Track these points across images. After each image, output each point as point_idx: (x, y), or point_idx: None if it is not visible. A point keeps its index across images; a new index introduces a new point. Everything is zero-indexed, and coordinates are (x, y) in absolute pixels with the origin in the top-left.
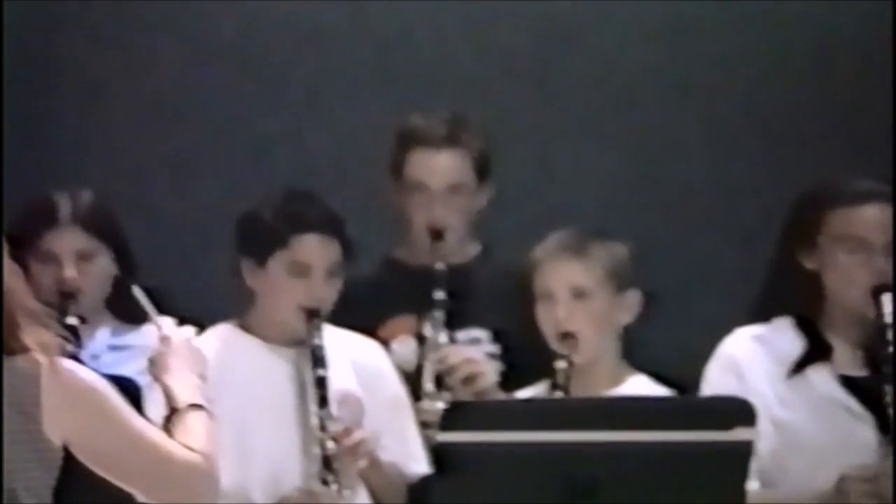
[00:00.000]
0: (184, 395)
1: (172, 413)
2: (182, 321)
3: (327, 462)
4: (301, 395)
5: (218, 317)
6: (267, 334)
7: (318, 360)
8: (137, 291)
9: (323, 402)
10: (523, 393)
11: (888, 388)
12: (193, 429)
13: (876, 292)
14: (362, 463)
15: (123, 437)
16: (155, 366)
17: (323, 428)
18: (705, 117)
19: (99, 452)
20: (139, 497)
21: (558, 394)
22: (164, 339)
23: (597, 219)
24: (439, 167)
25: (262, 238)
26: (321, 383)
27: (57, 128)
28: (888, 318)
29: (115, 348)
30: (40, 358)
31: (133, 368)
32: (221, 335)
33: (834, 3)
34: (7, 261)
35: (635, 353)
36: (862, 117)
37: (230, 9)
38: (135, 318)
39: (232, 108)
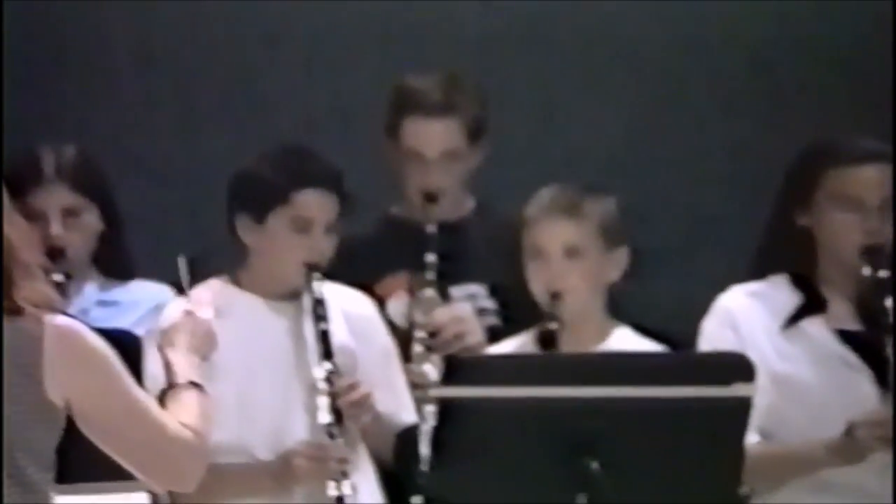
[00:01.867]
0: (183, 372)
1: (170, 388)
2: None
3: (337, 415)
4: (300, 349)
5: (220, 273)
6: (262, 289)
7: (320, 313)
8: (182, 263)
9: (328, 355)
10: (506, 344)
11: (888, 340)
12: (188, 405)
13: (867, 251)
14: (366, 417)
15: (120, 403)
16: (164, 338)
17: (329, 381)
18: (711, 73)
19: (95, 417)
20: (126, 467)
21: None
22: (187, 314)
23: (599, 175)
24: (434, 135)
25: (261, 194)
26: (324, 337)
27: (59, 82)
28: (884, 274)
29: (103, 303)
30: (44, 318)
31: (122, 323)
32: (215, 290)
33: None
34: (8, 213)
35: (637, 310)
36: (868, 74)
37: None
38: (122, 273)
39: (234, 64)
